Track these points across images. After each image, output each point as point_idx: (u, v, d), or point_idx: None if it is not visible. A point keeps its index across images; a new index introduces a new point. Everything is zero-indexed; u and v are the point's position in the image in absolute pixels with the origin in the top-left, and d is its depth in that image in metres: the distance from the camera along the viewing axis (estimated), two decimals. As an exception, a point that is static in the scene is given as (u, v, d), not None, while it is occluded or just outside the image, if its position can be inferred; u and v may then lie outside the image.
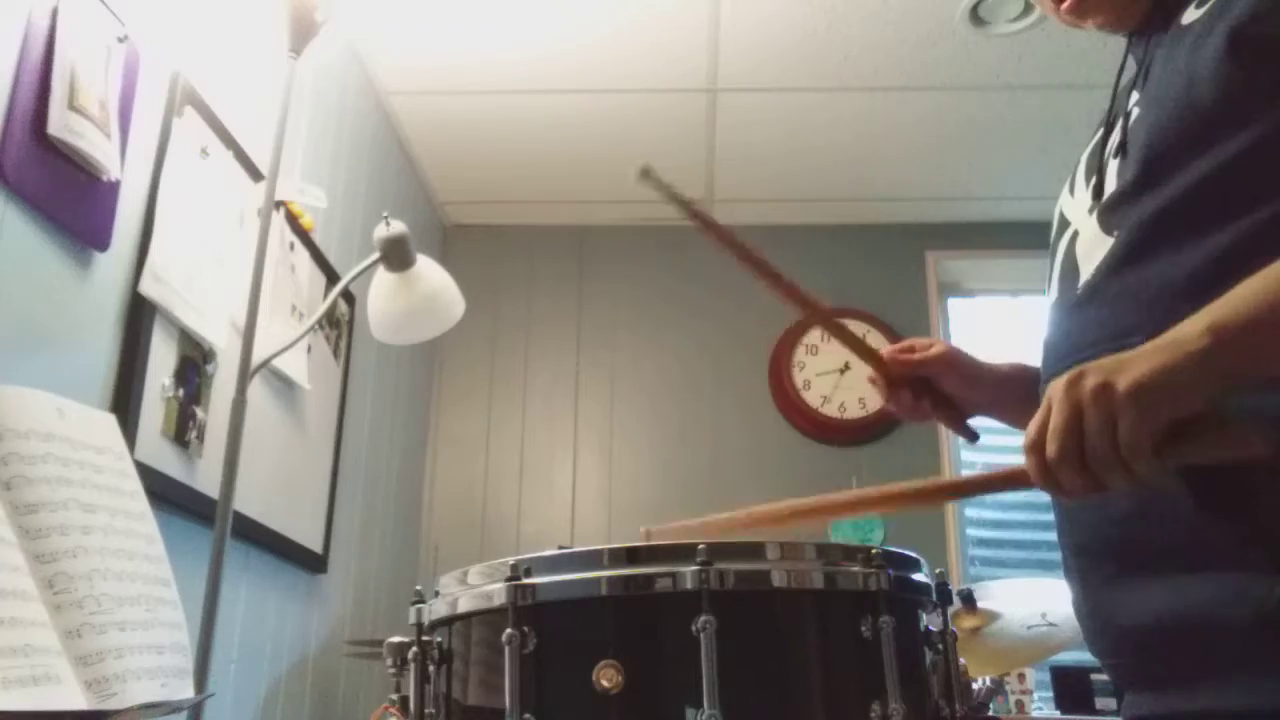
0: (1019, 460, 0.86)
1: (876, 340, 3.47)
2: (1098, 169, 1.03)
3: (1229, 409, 0.80)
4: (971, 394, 1.22)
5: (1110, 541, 0.93)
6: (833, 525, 3.27)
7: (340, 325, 2.60)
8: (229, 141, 1.93)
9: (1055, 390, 0.81)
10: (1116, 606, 0.93)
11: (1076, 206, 1.06)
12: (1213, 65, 0.89)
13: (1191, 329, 0.79)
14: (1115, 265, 0.95)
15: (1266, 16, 0.87)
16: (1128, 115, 1.00)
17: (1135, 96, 1.01)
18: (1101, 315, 0.95)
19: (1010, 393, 1.19)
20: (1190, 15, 0.96)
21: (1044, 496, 1.10)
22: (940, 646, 1.09)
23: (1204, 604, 0.84)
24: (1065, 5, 1.06)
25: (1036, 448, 0.82)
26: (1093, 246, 0.99)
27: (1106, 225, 0.97)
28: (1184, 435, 0.80)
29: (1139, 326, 0.87)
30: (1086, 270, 0.99)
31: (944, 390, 1.22)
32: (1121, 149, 0.99)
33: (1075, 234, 1.04)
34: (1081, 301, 0.98)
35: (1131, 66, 1.08)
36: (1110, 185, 0.99)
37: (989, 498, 3.44)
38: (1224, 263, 0.84)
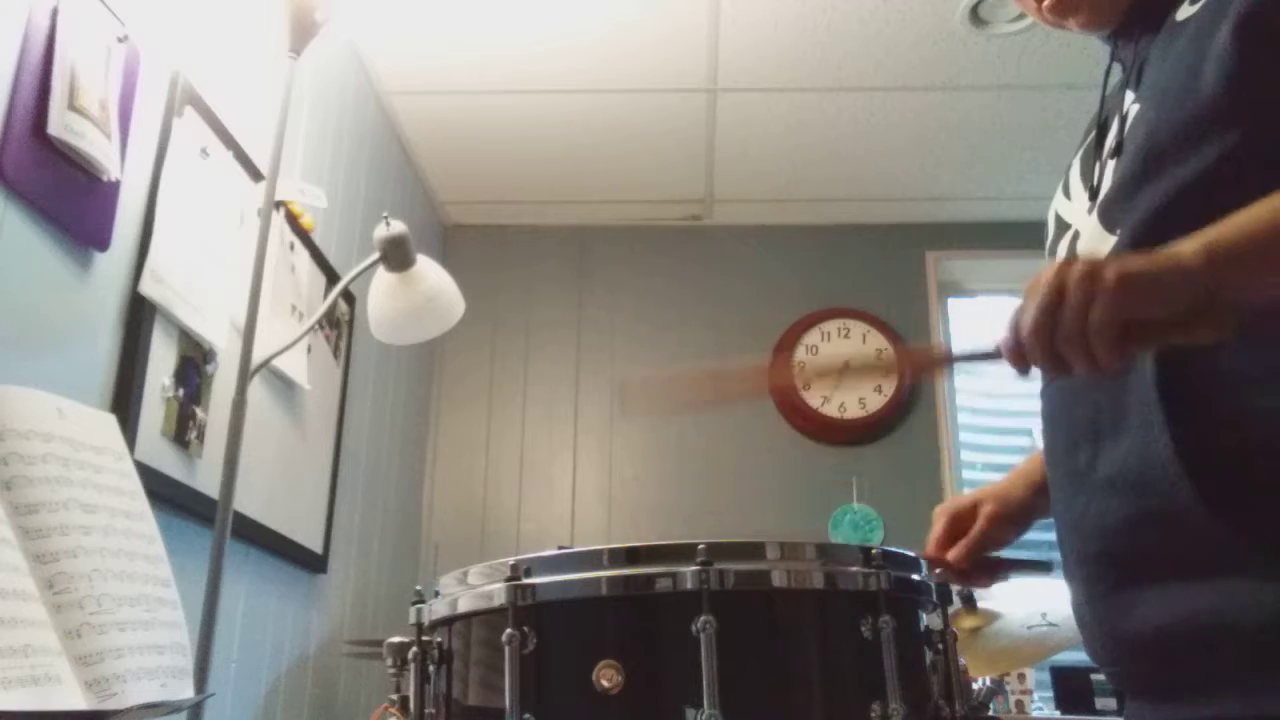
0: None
1: (876, 341, 3.48)
2: (1094, 170, 1.02)
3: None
4: (1027, 523, 1.23)
5: (1113, 549, 0.93)
6: (832, 525, 3.27)
7: (340, 325, 2.60)
8: (229, 141, 1.93)
9: (1047, 271, 0.81)
10: (1120, 614, 0.92)
11: (1074, 208, 1.05)
12: (1219, 55, 0.87)
13: (1189, 247, 0.79)
14: None
15: (1273, 4, 0.86)
16: (1124, 117, 0.99)
17: (1130, 96, 1.00)
18: None
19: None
20: (1185, 11, 0.95)
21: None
22: (940, 646, 1.08)
23: (1212, 611, 0.83)
24: (1046, 4, 1.06)
25: (1014, 324, 0.83)
26: (1095, 245, 0.97)
27: (1108, 222, 0.96)
28: (1148, 327, 0.79)
29: None
30: None
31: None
32: (1118, 148, 0.97)
33: (1076, 234, 1.03)
34: None
35: (1118, 70, 1.07)
36: (1108, 184, 0.98)
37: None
38: None
